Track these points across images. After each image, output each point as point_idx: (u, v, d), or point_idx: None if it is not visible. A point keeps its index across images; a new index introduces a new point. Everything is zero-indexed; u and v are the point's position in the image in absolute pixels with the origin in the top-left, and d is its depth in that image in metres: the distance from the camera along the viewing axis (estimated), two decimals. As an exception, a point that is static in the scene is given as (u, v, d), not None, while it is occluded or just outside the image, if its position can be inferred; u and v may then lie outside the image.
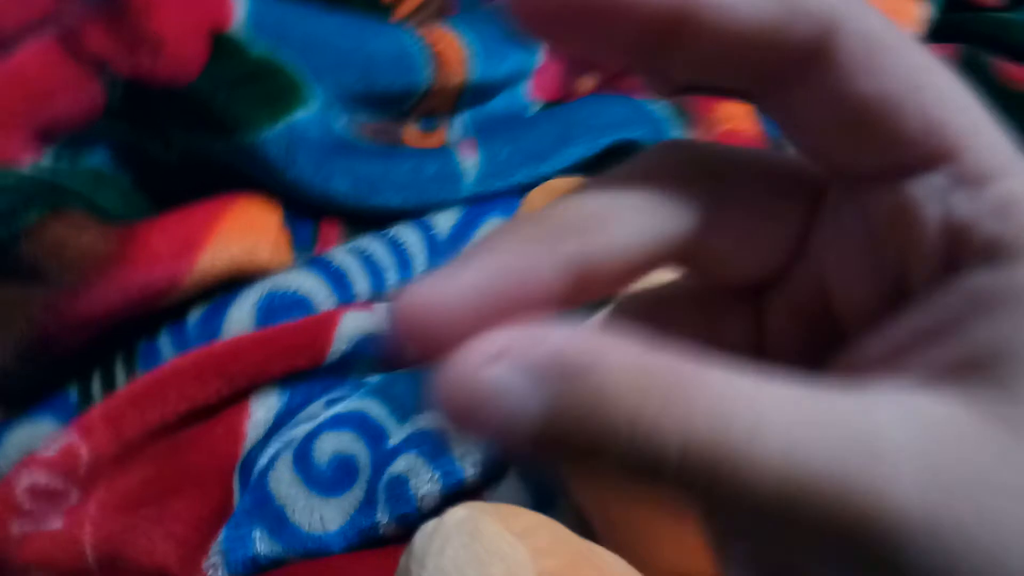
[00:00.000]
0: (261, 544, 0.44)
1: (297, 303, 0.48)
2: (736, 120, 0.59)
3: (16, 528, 0.42)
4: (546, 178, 0.53)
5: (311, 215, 0.51)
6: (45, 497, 0.42)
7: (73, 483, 0.43)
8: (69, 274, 0.44)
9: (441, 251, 0.51)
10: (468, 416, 0.14)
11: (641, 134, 0.54)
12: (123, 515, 0.43)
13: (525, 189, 0.52)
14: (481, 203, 0.52)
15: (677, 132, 0.55)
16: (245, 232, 0.48)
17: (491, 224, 0.52)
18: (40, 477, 0.43)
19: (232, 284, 0.48)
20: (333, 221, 0.52)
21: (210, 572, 0.43)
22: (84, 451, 0.43)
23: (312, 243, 0.51)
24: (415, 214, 0.51)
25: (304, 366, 0.46)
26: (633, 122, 0.55)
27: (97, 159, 0.50)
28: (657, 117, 0.56)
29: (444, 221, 0.52)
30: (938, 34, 0.67)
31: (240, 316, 0.47)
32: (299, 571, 0.43)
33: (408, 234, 0.51)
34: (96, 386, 0.46)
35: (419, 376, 0.48)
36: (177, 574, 0.43)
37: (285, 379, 0.46)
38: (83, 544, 0.42)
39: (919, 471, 0.14)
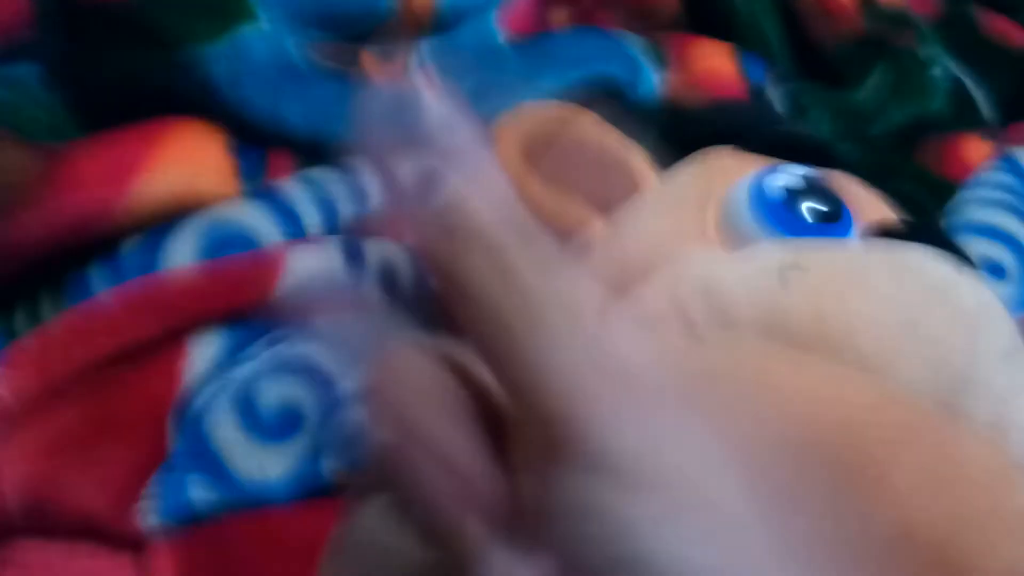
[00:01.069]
0: (197, 490, 0.41)
1: (242, 238, 0.45)
2: (713, 58, 0.56)
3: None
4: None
5: (259, 143, 0.48)
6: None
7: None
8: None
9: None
10: None
11: (616, 69, 0.51)
12: (49, 460, 0.40)
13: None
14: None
15: (652, 70, 0.52)
16: (185, 158, 0.45)
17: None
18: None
19: (171, 215, 0.45)
20: (283, 151, 0.48)
21: (142, 519, 0.41)
22: (6, 391, 0.40)
23: (260, 173, 0.48)
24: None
25: (249, 306, 0.43)
26: (608, 57, 0.52)
27: (23, 77, 0.46)
28: (632, 54, 0.53)
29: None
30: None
31: (180, 250, 0.44)
32: (238, 522, 0.41)
33: (364, 168, 0.48)
34: (20, 322, 0.43)
35: (370, 320, 0.45)
36: (107, 521, 0.40)
37: (227, 319, 0.44)
38: (3, 490, 0.40)
39: None
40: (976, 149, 0.61)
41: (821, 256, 0.33)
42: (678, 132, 0.41)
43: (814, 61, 0.60)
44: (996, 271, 0.58)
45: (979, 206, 0.60)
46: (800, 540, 0.23)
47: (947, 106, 0.61)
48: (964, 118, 0.61)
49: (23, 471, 0.40)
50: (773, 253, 0.33)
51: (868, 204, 0.37)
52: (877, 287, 0.32)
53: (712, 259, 0.33)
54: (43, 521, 0.40)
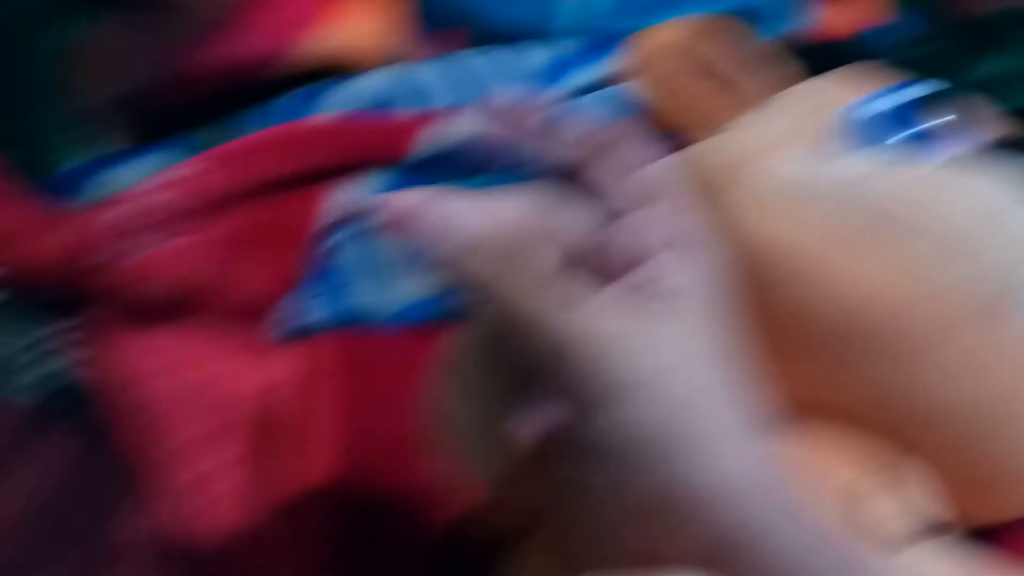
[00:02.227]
0: (329, 307, 0.48)
1: (388, 102, 0.50)
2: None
3: (116, 247, 0.47)
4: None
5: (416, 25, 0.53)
6: (145, 225, 0.47)
7: (172, 218, 0.47)
8: (195, 20, 0.46)
9: (537, 83, 0.52)
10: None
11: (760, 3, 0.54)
12: (213, 256, 0.48)
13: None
14: (574, 49, 0.53)
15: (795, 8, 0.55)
16: (353, 24, 0.50)
17: (586, 68, 0.54)
18: (144, 206, 0.47)
19: (331, 73, 0.50)
20: (434, 34, 0.53)
21: (281, 323, 0.48)
22: (186, 192, 0.47)
23: (413, 52, 0.53)
24: (510, 40, 0.52)
25: (387, 162, 0.49)
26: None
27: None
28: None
29: (536, 56, 0.52)
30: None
31: (335, 105, 0.50)
32: (364, 336, 0.48)
33: (506, 59, 0.52)
34: (201, 140, 0.50)
35: (496, 180, 0.50)
36: (252, 318, 0.48)
37: (368, 171, 0.49)
38: (175, 272, 0.47)
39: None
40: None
41: (911, 160, 0.35)
42: (814, 61, 0.44)
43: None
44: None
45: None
46: None
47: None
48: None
49: (191, 260, 0.47)
50: (867, 154, 0.35)
51: (985, 122, 0.40)
52: (959, 197, 0.34)
53: (815, 152, 0.35)
54: (201, 307, 0.47)
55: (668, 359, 0.25)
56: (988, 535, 0.37)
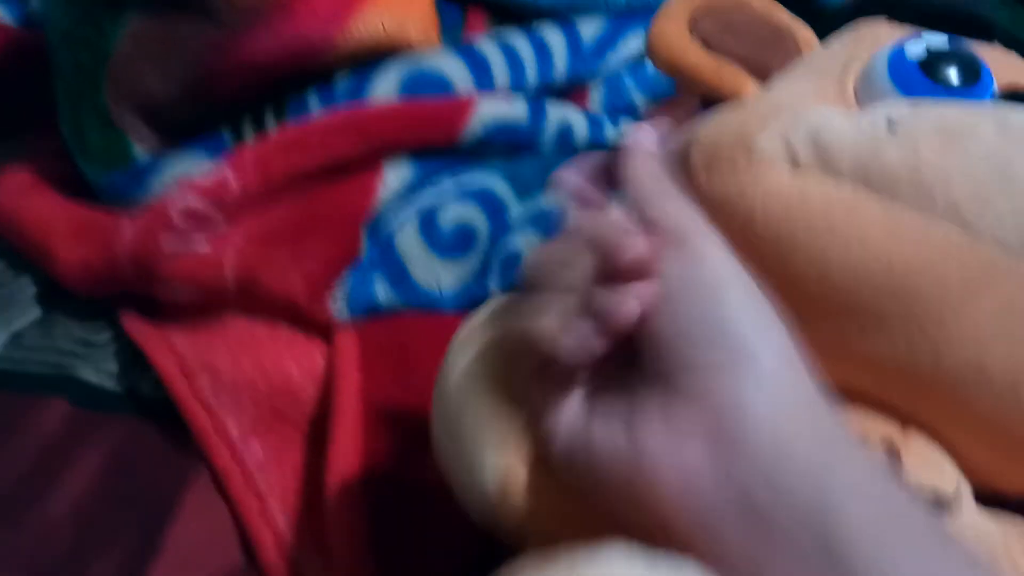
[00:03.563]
0: (381, 291, 0.48)
1: (438, 83, 0.50)
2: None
3: (167, 245, 0.47)
4: None
5: (460, 2, 0.53)
6: (196, 220, 0.47)
7: (222, 212, 0.47)
8: (236, 15, 0.47)
9: (583, 57, 0.52)
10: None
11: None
12: (263, 247, 0.47)
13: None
14: (627, 15, 0.53)
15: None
16: (398, 5, 0.50)
17: (634, 37, 0.53)
18: (194, 202, 0.47)
19: (379, 54, 0.49)
20: (480, 10, 0.53)
21: (333, 308, 0.48)
22: (235, 184, 0.47)
23: (459, 29, 0.53)
24: (562, 15, 0.53)
25: (438, 142, 0.49)
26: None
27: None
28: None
29: (589, 28, 0.52)
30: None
31: (385, 87, 0.49)
32: (413, 320, 0.48)
33: (553, 35, 0.51)
34: (247, 130, 0.49)
35: (545, 161, 0.50)
36: (303, 305, 0.48)
37: (418, 152, 0.49)
38: (224, 267, 0.47)
39: None
40: None
41: (929, 111, 0.34)
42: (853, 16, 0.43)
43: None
44: None
45: None
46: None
47: None
48: None
49: (241, 253, 0.47)
50: (886, 108, 0.34)
51: (1012, 70, 0.38)
52: (979, 142, 0.33)
53: (829, 111, 0.34)
54: (251, 299, 0.47)
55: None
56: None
